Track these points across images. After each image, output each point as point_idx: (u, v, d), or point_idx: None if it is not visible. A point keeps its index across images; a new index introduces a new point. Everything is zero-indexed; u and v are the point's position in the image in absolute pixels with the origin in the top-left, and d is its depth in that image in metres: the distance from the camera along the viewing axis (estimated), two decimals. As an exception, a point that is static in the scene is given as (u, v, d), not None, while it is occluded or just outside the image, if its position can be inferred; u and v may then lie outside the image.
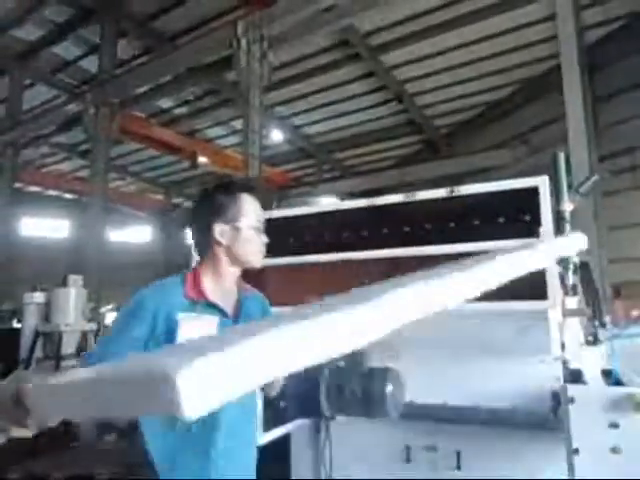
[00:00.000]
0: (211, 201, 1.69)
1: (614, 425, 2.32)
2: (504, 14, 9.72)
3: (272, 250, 2.82)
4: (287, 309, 2.33)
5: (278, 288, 2.90)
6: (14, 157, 14.25)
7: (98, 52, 11.72)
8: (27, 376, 0.99)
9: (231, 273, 1.69)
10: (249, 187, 1.80)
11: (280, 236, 2.71)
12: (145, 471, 1.59)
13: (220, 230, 1.64)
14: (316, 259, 2.55)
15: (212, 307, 1.60)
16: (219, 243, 1.64)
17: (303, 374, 2.21)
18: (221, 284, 1.67)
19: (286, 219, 2.75)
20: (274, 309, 2.74)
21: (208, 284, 1.64)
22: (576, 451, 2.33)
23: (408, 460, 2.60)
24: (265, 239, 1.75)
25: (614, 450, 2.26)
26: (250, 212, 1.70)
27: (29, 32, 11.83)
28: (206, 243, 1.67)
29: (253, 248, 1.70)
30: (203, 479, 1.54)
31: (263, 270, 2.89)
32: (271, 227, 2.88)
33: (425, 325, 2.00)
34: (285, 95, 12.72)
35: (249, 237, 1.68)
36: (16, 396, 0.96)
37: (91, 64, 12.14)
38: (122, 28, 11.46)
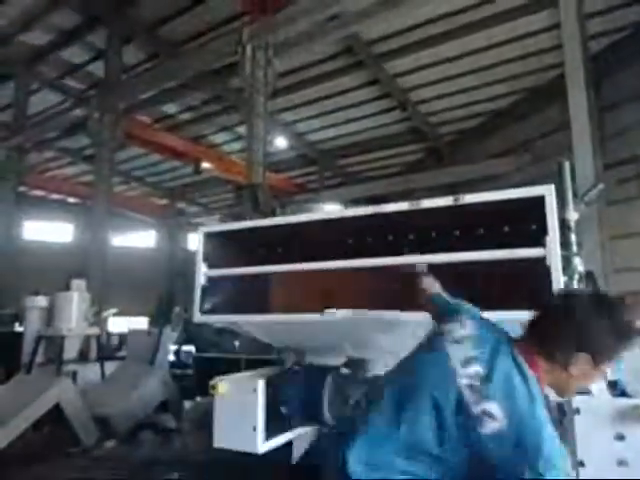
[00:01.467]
0: (600, 330, 1.44)
1: (620, 437, 2.29)
2: (508, 23, 9.74)
3: (277, 257, 2.82)
4: (292, 316, 2.31)
5: (281, 294, 2.89)
6: (19, 161, 14.32)
7: (104, 58, 11.79)
8: None
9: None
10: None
11: (284, 243, 2.70)
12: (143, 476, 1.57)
13: (582, 360, 1.44)
14: (319, 266, 2.54)
15: None
16: (567, 368, 1.46)
17: (306, 381, 2.18)
18: None
19: (289, 226, 2.74)
20: (277, 316, 2.73)
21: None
22: (581, 464, 2.30)
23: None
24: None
25: (620, 463, 2.23)
26: (615, 359, 1.50)
27: (36, 38, 11.91)
28: (557, 352, 1.48)
29: (580, 387, 1.56)
30: None
31: (266, 276, 2.89)
32: (275, 234, 2.88)
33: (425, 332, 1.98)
34: (289, 102, 12.77)
35: (594, 379, 1.54)
36: None
37: (98, 69, 12.22)
38: (128, 34, 11.54)
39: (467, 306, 1.80)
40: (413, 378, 1.55)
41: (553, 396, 1.59)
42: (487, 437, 1.32)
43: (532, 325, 1.56)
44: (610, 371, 1.44)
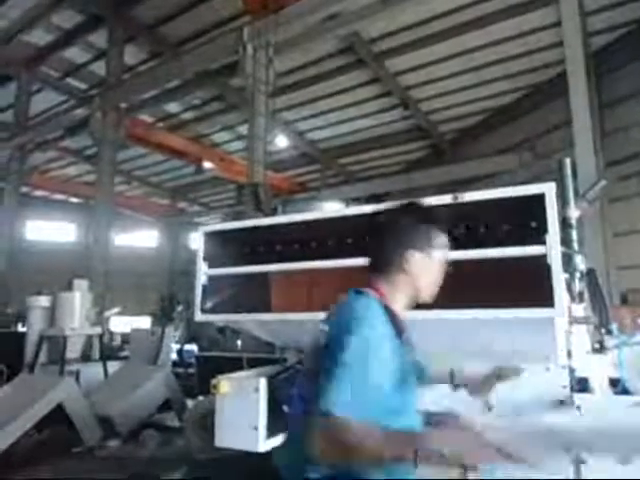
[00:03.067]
0: (409, 225, 1.57)
1: (622, 435, 2.29)
2: (509, 20, 9.72)
3: (277, 256, 2.82)
4: (293, 315, 2.32)
5: (282, 293, 2.89)
6: (21, 162, 14.36)
7: (105, 57, 11.81)
8: None
9: (400, 301, 1.59)
10: (443, 218, 1.66)
11: (285, 242, 2.70)
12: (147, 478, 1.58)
13: (412, 257, 1.53)
14: (320, 265, 2.54)
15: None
16: (405, 270, 1.54)
17: (308, 378, 2.19)
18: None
19: (290, 225, 2.74)
20: (278, 315, 2.74)
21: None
22: (582, 462, 2.30)
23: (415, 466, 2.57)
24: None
25: (622, 460, 2.23)
26: (443, 246, 1.60)
27: (37, 38, 11.94)
28: (390, 265, 1.56)
29: (434, 282, 1.61)
30: None
31: (267, 276, 2.89)
32: (276, 233, 2.88)
33: (430, 332, 1.99)
34: (290, 101, 12.77)
35: (436, 270, 1.59)
36: None
37: (99, 68, 12.24)
38: (129, 34, 11.56)
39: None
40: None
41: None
42: (320, 349, 1.45)
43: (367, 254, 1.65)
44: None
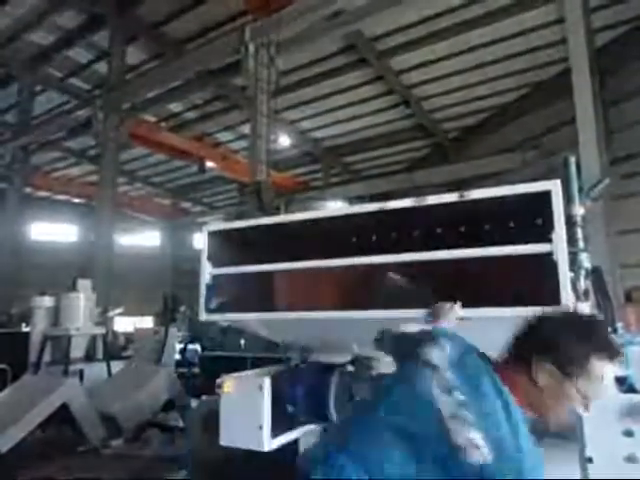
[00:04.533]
0: (560, 337, 1.39)
1: (629, 433, 2.27)
2: (512, 18, 9.69)
3: (281, 255, 2.82)
4: (297, 314, 2.30)
5: (286, 292, 2.88)
6: (24, 162, 14.39)
7: (108, 57, 11.82)
8: None
9: (528, 410, 1.43)
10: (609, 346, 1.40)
11: (289, 240, 2.69)
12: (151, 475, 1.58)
13: (545, 369, 1.38)
14: (324, 264, 2.53)
15: None
16: (538, 380, 1.39)
17: (313, 379, 2.16)
18: None
19: (293, 224, 2.74)
20: (282, 314, 2.73)
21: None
22: (590, 460, 2.29)
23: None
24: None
25: (629, 459, 2.22)
26: (594, 377, 1.36)
27: (40, 38, 11.95)
28: (522, 365, 1.42)
29: (560, 410, 1.42)
30: None
31: (271, 274, 2.89)
32: (280, 231, 2.88)
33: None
34: (293, 99, 12.76)
35: (570, 402, 1.39)
36: None
37: (102, 68, 12.25)
38: (132, 34, 11.56)
39: (444, 328, 1.76)
40: (383, 407, 1.48)
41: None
42: (471, 468, 1.25)
43: (507, 345, 1.51)
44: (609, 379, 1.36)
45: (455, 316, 2.05)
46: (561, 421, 1.42)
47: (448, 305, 2.07)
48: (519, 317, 2.06)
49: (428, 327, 1.84)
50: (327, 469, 1.42)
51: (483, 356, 1.55)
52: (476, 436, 1.28)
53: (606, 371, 1.35)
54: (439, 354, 1.49)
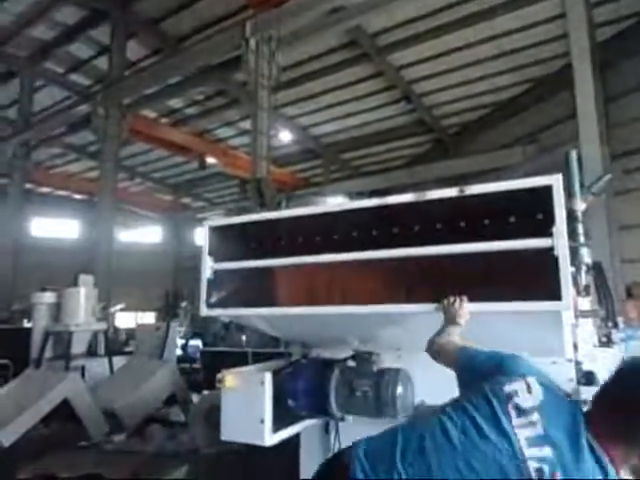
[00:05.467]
0: None
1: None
2: (513, 12, 9.65)
3: (283, 250, 2.82)
4: (299, 309, 2.30)
5: (286, 288, 2.89)
6: (25, 158, 14.39)
7: (108, 54, 11.80)
8: None
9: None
10: None
11: (290, 236, 2.70)
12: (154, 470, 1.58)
13: None
14: (325, 259, 2.53)
15: None
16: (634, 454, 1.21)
17: (313, 374, 2.16)
18: None
19: (295, 219, 2.74)
20: (283, 309, 2.74)
21: None
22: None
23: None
24: None
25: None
26: None
27: (40, 33, 11.93)
28: (633, 440, 1.22)
29: None
30: None
31: (272, 269, 2.89)
32: (281, 227, 2.88)
33: (434, 325, 1.98)
34: (293, 95, 12.74)
35: None
36: None
37: (103, 63, 12.23)
38: (132, 29, 11.54)
39: (528, 362, 1.48)
40: (459, 439, 1.31)
41: None
42: None
43: (601, 400, 1.30)
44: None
45: (467, 312, 2.01)
46: None
47: (457, 302, 2.04)
48: (519, 312, 2.07)
49: (507, 354, 1.56)
50: None
51: (575, 406, 1.34)
52: None
53: None
54: (527, 395, 1.30)
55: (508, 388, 1.32)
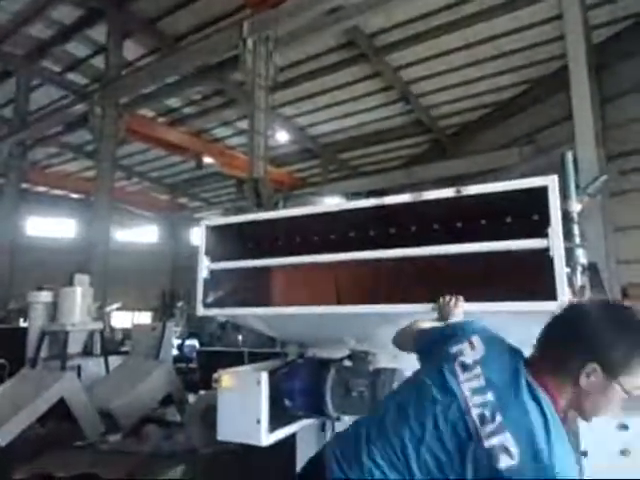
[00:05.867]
0: (610, 336, 1.29)
1: (623, 427, 2.29)
2: (510, 14, 9.68)
3: (279, 250, 2.83)
4: (295, 309, 2.31)
5: (284, 287, 2.89)
6: (21, 157, 14.34)
7: (105, 53, 11.77)
8: None
9: (562, 410, 1.35)
10: None
11: (287, 236, 2.70)
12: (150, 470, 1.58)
13: (592, 373, 1.28)
14: (322, 259, 2.54)
15: None
16: (577, 384, 1.30)
17: (309, 374, 2.17)
18: None
19: (292, 219, 2.74)
20: (279, 309, 2.74)
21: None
22: (585, 454, 2.31)
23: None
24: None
25: (623, 452, 2.24)
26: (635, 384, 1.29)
27: (37, 32, 11.89)
28: (563, 369, 1.32)
29: (601, 410, 1.35)
30: None
31: (269, 269, 2.89)
32: (278, 227, 2.88)
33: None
34: (291, 95, 12.73)
35: (611, 401, 1.32)
36: None
37: (100, 62, 12.20)
38: (129, 28, 11.51)
39: (476, 323, 1.60)
40: (413, 408, 1.40)
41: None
42: (500, 472, 1.20)
43: (540, 342, 1.42)
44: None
45: (462, 311, 2.04)
46: (588, 420, 1.38)
47: (452, 301, 2.06)
48: (515, 312, 2.08)
49: (457, 321, 1.80)
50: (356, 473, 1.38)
51: (516, 353, 1.46)
52: (506, 439, 1.23)
53: None
54: (470, 352, 1.42)
55: (454, 349, 1.45)
